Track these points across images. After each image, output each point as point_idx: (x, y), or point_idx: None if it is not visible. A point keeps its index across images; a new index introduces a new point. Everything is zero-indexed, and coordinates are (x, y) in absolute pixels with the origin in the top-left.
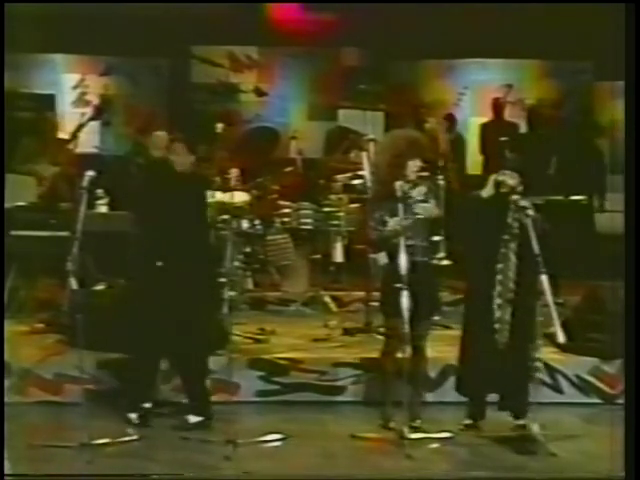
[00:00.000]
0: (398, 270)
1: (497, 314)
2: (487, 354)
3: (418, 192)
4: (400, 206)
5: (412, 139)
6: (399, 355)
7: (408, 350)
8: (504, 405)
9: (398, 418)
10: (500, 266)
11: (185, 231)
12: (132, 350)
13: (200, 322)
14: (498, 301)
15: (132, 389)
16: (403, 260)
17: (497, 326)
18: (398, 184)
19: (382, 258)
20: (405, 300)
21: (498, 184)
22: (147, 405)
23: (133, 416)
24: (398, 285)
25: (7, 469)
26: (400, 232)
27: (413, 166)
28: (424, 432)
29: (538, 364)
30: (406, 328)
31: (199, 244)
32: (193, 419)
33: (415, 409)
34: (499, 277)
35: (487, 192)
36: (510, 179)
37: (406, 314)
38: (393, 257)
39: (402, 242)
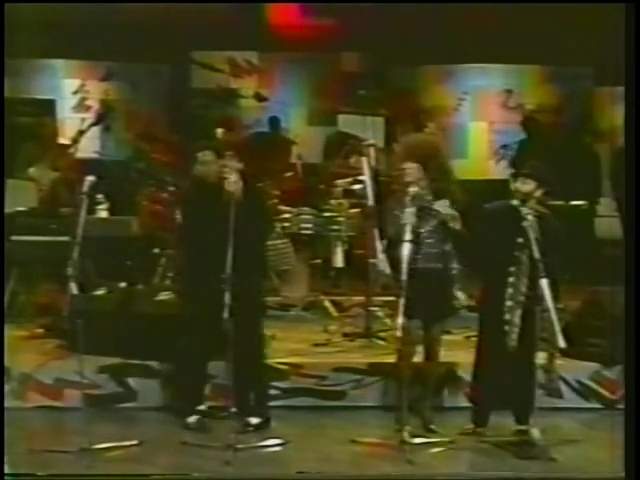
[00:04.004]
0: (399, 275)
1: (507, 316)
2: (497, 358)
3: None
4: (415, 210)
5: (428, 143)
6: (414, 359)
7: (421, 354)
8: (510, 409)
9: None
10: (513, 269)
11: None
12: (182, 356)
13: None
14: (509, 303)
15: (185, 394)
16: (404, 265)
17: (506, 328)
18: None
19: (381, 263)
20: (403, 303)
21: (512, 192)
22: (203, 408)
23: (192, 420)
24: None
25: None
26: (414, 236)
27: (427, 170)
28: (425, 437)
29: (551, 373)
30: (418, 332)
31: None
32: (254, 420)
33: (427, 413)
34: (511, 279)
35: (497, 202)
36: (524, 186)
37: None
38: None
39: (406, 246)
